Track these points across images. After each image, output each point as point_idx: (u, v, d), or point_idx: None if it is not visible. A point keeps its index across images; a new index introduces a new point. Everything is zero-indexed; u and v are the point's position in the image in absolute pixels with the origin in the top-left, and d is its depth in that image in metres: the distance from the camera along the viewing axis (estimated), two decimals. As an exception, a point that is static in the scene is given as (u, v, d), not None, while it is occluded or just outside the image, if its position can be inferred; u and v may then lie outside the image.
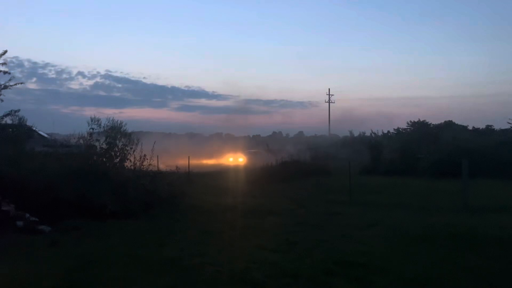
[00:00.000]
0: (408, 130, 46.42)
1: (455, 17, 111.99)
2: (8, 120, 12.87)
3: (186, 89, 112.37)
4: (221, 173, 26.18)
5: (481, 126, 44.46)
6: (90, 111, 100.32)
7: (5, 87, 12.53)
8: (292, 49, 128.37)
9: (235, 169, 29.31)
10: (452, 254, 6.95)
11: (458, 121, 46.21)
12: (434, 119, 56.69)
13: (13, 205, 9.86)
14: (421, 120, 47.84)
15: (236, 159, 39.26)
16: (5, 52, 12.53)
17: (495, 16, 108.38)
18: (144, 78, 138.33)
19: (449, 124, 44.89)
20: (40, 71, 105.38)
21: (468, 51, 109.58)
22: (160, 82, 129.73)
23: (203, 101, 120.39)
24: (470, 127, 44.04)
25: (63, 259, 6.83)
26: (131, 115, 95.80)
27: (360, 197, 14.75)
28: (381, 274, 5.92)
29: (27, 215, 9.52)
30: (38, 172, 10.65)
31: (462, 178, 12.57)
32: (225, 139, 66.36)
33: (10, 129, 12.86)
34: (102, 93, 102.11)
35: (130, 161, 12.68)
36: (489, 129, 42.63)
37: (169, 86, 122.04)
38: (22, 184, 10.12)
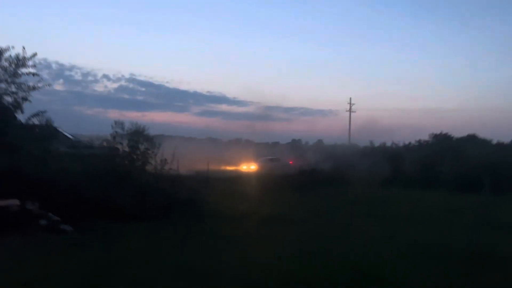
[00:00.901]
0: (430, 142, 45.62)
1: (481, 29, 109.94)
2: (35, 121, 13.17)
3: (208, 94, 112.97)
4: (239, 179, 26.23)
5: (506, 140, 43.38)
6: (113, 114, 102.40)
7: (34, 88, 12.88)
8: (314, 57, 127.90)
9: (254, 176, 29.33)
10: (472, 271, 6.81)
11: (482, 134, 45.15)
12: (457, 132, 55.55)
13: (37, 204, 10.12)
14: (444, 132, 46.99)
15: (248, 167, 39.19)
16: (35, 54, 12.89)
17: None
18: (167, 82, 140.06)
19: (472, 138, 43.91)
20: (67, 73, 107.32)
21: (495, 63, 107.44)
22: (183, 86, 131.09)
23: (224, 107, 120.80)
24: (494, 141, 43.02)
25: (83, 259, 6.98)
26: (153, 118, 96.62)
27: (380, 209, 14.53)
28: (399, 288, 5.86)
29: (50, 214, 9.75)
30: (62, 173, 10.89)
31: (485, 194, 12.30)
32: (244, 145, 66.38)
33: (37, 130, 13.16)
34: (125, 96, 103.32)
35: (151, 164, 12.88)
36: (514, 144, 41.52)
37: (191, 91, 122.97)
38: (46, 184, 10.34)
